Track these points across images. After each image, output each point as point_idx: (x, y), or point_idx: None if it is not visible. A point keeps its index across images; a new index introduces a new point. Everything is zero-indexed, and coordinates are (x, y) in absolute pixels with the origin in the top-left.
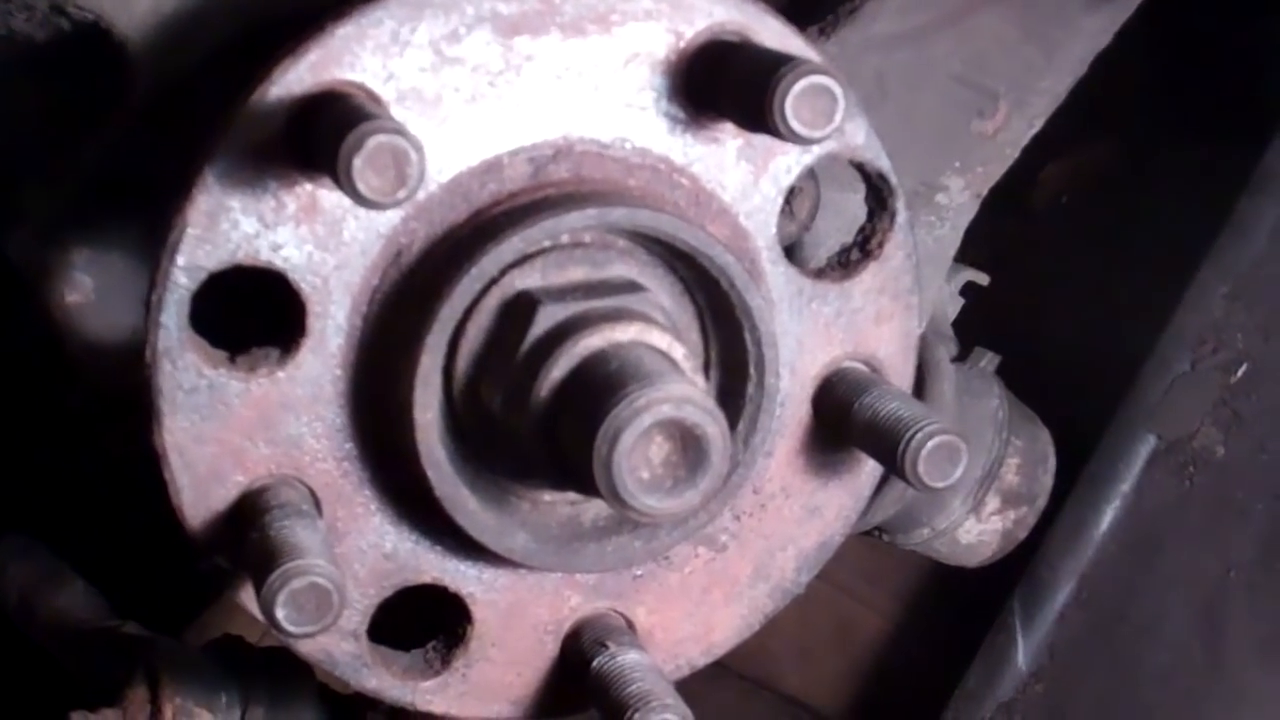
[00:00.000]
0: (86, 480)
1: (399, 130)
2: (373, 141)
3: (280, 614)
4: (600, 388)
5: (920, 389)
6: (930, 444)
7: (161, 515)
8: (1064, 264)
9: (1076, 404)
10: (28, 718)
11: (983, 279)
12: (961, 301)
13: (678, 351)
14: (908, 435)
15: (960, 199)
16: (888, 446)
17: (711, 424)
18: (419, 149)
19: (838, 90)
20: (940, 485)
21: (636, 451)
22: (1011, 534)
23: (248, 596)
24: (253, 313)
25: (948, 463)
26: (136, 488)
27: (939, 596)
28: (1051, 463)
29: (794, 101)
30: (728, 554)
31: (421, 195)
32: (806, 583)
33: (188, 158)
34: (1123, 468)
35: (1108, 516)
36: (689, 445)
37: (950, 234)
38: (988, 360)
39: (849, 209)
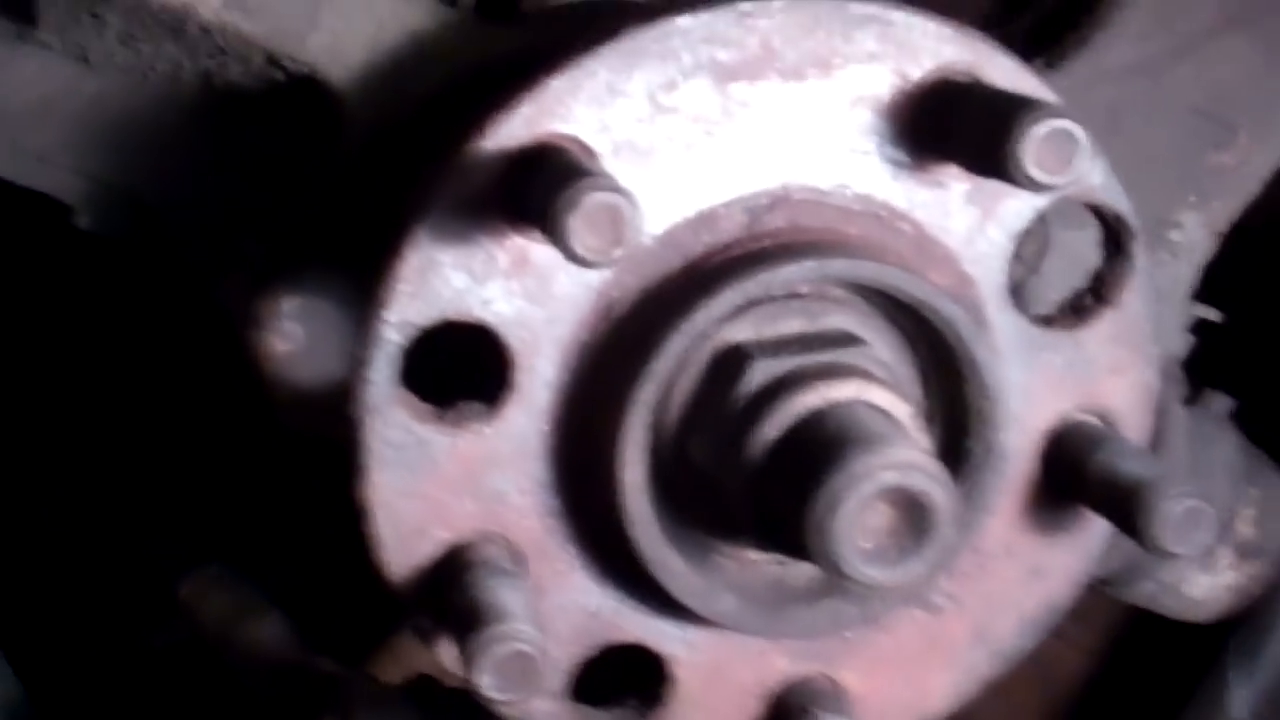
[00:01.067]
0: (287, 513)
1: (615, 188)
2: (589, 200)
3: (484, 680)
4: (817, 450)
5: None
6: (1178, 511)
7: (357, 553)
8: None
9: None
10: None
11: (1214, 315)
12: (1192, 340)
13: (900, 410)
14: (1150, 500)
15: (1196, 235)
16: (1126, 510)
17: (939, 491)
18: (635, 207)
19: (1079, 134)
20: (1186, 553)
21: (857, 521)
22: (1246, 590)
23: (447, 653)
24: (459, 366)
25: (1195, 529)
26: (334, 526)
27: (1149, 638)
28: None
29: (1034, 147)
30: (944, 617)
31: (634, 248)
32: (1028, 648)
33: (398, 210)
34: None
35: None
36: (914, 513)
37: (1185, 272)
38: (1220, 404)
39: (1078, 248)
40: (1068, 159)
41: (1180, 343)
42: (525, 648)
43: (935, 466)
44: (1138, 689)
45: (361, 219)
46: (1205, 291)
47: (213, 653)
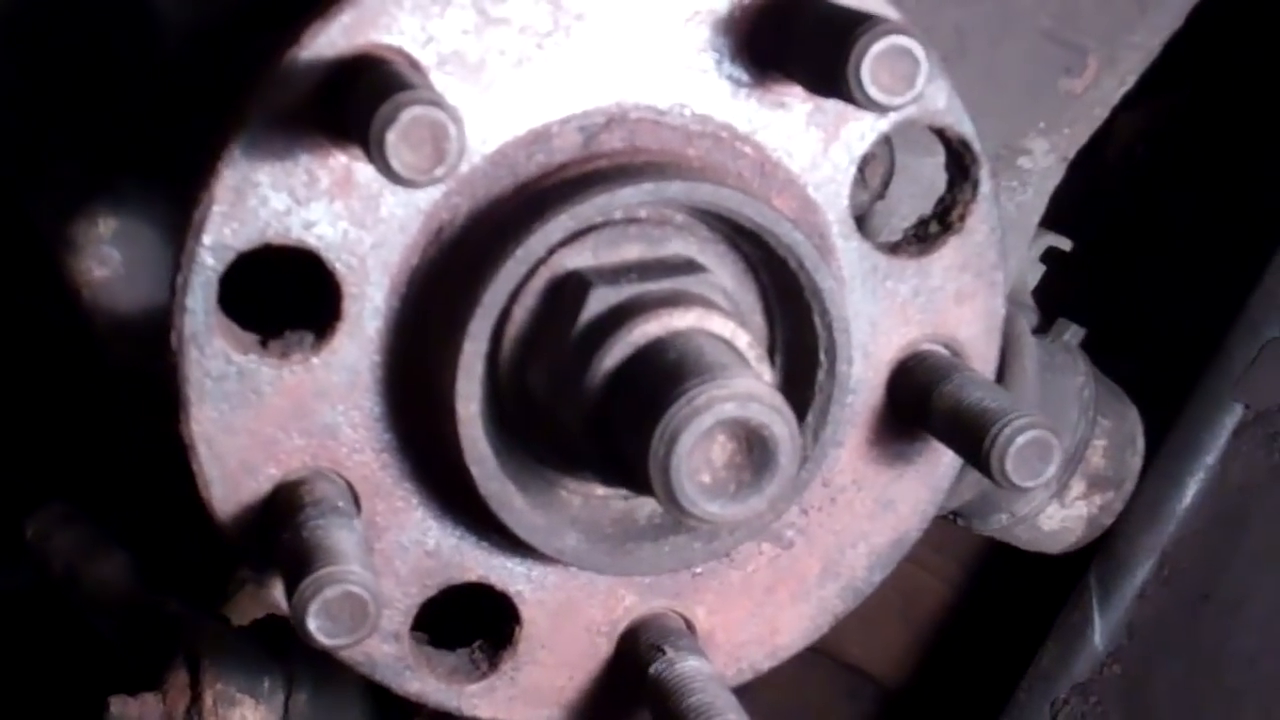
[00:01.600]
0: (123, 450)
1: (436, 101)
2: (408, 114)
3: (312, 624)
4: (657, 381)
5: (1000, 366)
6: (1020, 440)
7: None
8: (1142, 222)
9: (1160, 372)
10: (67, 695)
11: (1065, 244)
12: (1043, 269)
13: (741, 339)
14: (994, 430)
15: (1045, 162)
16: (971, 440)
17: (780, 423)
18: (458, 122)
19: (920, 52)
20: (1030, 484)
21: (696, 454)
22: (1097, 520)
23: (280, 593)
24: (283, 294)
25: (1039, 460)
26: (171, 463)
27: (1011, 568)
28: (1140, 444)
29: (872, 65)
30: (794, 551)
31: (464, 168)
32: (879, 581)
33: (214, 127)
34: (1207, 438)
35: (1191, 490)
36: (754, 446)
37: (1034, 200)
38: (1071, 333)
39: (925, 174)
40: (908, 78)
41: (1031, 271)
42: (355, 589)
43: (776, 398)
44: (1001, 619)
45: (183, 135)
46: (1056, 221)
47: (60, 592)
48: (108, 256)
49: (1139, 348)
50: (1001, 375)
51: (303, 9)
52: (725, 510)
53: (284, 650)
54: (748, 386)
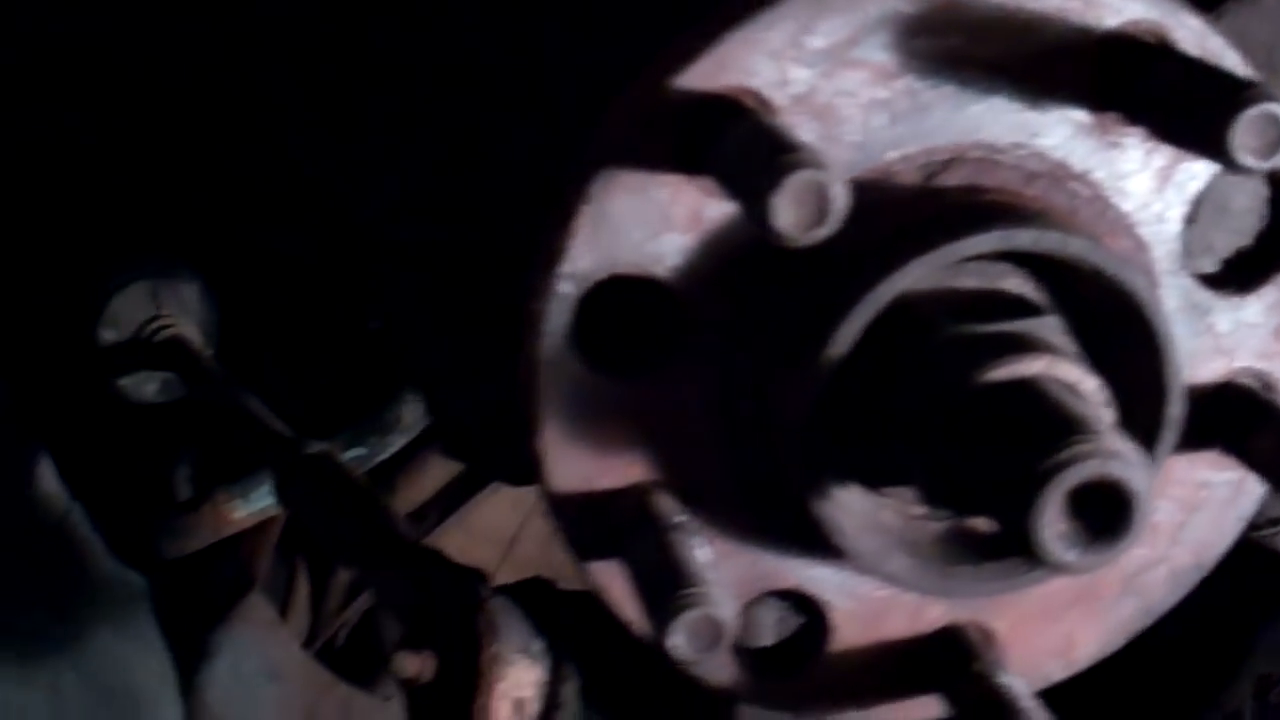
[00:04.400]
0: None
1: (819, 163)
2: (795, 179)
3: (673, 641)
4: (1014, 429)
5: None
6: None
7: None
8: None
9: None
10: None
11: None
12: None
13: (1089, 385)
14: None
15: None
16: None
17: (1140, 479)
18: (841, 183)
19: None
20: None
21: (1059, 509)
22: None
23: (628, 607)
24: (623, 316)
25: None
26: None
27: None
28: None
29: (1244, 130)
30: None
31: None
32: (1176, 601)
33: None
34: None
35: None
36: (1113, 499)
37: None
38: None
39: (1238, 200)
40: (1273, 143)
41: None
42: (715, 613)
43: (1137, 455)
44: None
45: None
46: None
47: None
48: None
49: None
50: None
51: None
52: (1082, 559)
53: (548, 615)
54: (1112, 445)
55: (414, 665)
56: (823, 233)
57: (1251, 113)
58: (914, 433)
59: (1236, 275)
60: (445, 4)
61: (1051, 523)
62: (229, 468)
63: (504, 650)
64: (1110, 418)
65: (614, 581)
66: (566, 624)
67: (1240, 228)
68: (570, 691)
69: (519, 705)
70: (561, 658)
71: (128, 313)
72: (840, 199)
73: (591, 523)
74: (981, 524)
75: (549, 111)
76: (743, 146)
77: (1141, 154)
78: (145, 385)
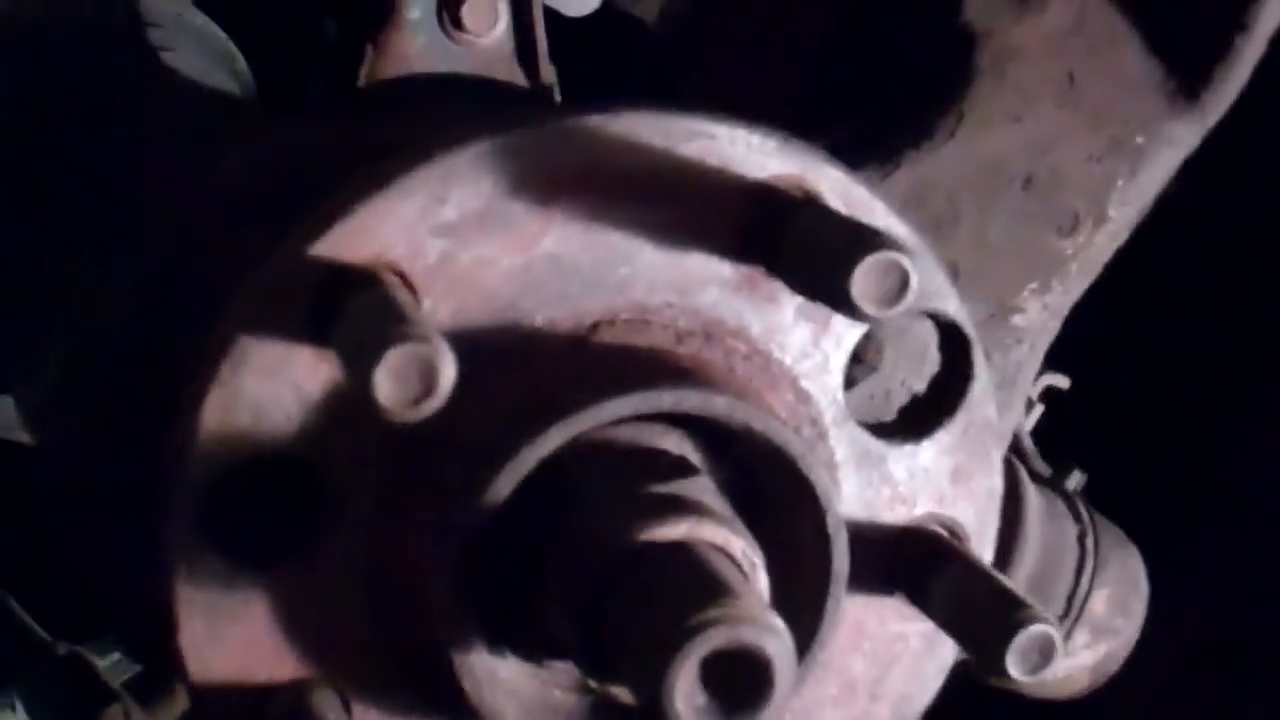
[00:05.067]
0: None
1: (426, 336)
2: (394, 353)
3: None
4: (656, 594)
5: (1002, 525)
6: (1019, 639)
7: None
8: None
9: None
10: None
11: (1063, 382)
12: (1040, 409)
13: (735, 546)
14: (993, 626)
15: (1039, 319)
16: (970, 634)
17: (776, 645)
18: (447, 355)
19: (909, 266)
20: (1030, 680)
21: (690, 679)
22: (1102, 667)
23: None
24: (263, 499)
25: (1039, 655)
26: None
27: None
28: (1144, 588)
29: (861, 280)
30: None
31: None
32: None
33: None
34: None
35: None
36: (751, 669)
37: (1029, 356)
38: (1075, 480)
39: (920, 339)
40: (897, 290)
41: (1025, 420)
42: None
43: (773, 621)
44: None
45: None
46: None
47: None
48: None
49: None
50: (1004, 535)
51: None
52: None
53: None
54: (742, 608)
55: None
56: (431, 406)
57: (870, 260)
58: (564, 599)
59: (911, 422)
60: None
61: (685, 693)
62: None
63: None
64: (759, 581)
65: None
66: None
67: (921, 359)
68: None
69: None
70: None
71: None
72: (448, 371)
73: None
74: (626, 696)
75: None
76: (356, 319)
77: (794, 308)
78: None
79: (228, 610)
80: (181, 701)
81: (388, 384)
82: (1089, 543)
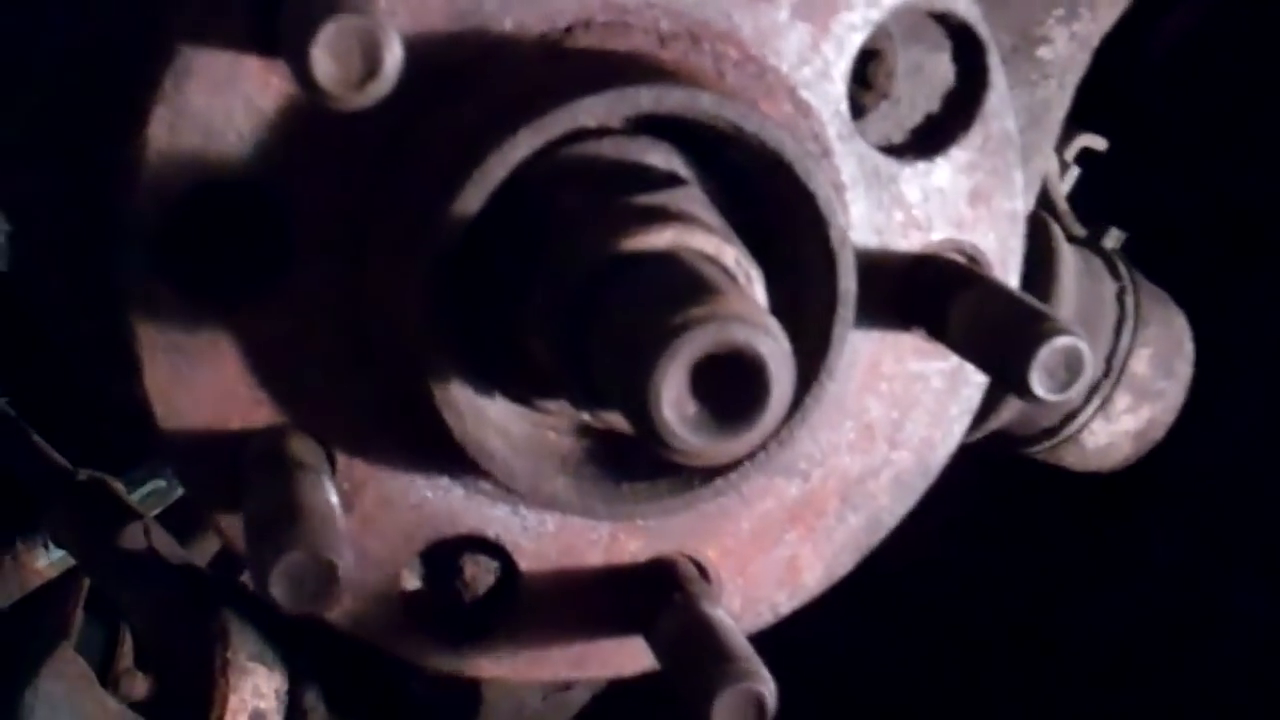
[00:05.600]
0: None
1: (367, 10)
2: (332, 26)
3: (275, 593)
4: (632, 304)
5: (1033, 277)
6: (1044, 351)
7: None
8: (1187, 126)
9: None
10: None
11: (1099, 143)
12: (1077, 171)
13: (727, 255)
14: (1016, 341)
15: (1066, 51)
16: (991, 353)
17: (768, 344)
18: (389, 32)
19: None
20: (1059, 398)
21: (677, 384)
22: (1146, 434)
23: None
24: (223, 231)
25: (1067, 371)
26: None
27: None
28: (1189, 349)
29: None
30: (810, 484)
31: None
32: (905, 511)
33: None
34: None
35: None
36: (743, 372)
37: (1057, 93)
38: (1112, 237)
39: (939, 71)
40: None
41: (1060, 171)
42: (317, 556)
43: (763, 316)
44: None
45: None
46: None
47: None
48: None
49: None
50: (1033, 283)
51: None
52: (714, 444)
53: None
54: (730, 306)
55: (141, 687)
56: (378, 90)
57: None
58: (549, 320)
59: (924, 139)
60: None
61: (673, 402)
62: (26, 513)
63: (237, 659)
64: (756, 295)
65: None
66: (310, 629)
67: (930, 93)
68: (314, 698)
69: (259, 715)
70: (302, 664)
71: None
72: (393, 47)
73: (216, 470)
74: (622, 426)
75: None
76: (296, 9)
77: (790, 6)
78: None
79: (194, 351)
80: (214, 539)
81: (326, 60)
82: (1129, 301)
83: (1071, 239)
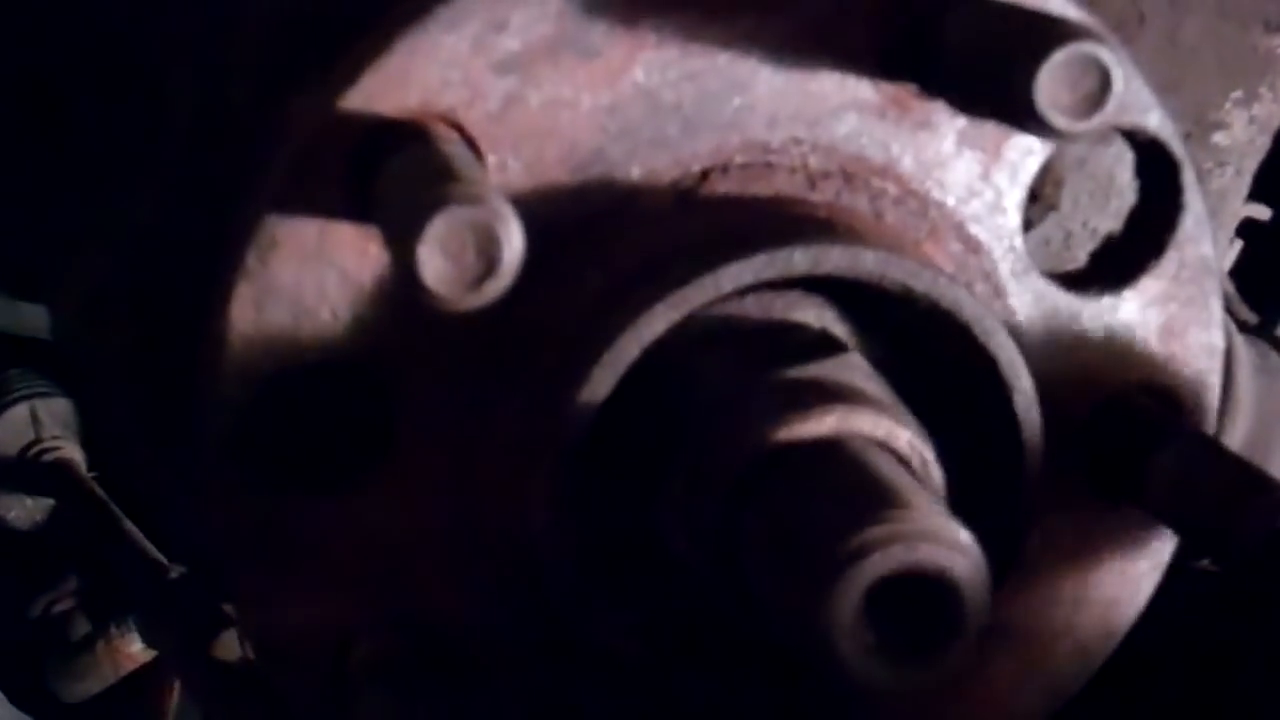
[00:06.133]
0: None
1: (482, 197)
2: (441, 220)
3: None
4: (797, 510)
5: None
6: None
7: None
8: None
9: None
10: None
11: (1264, 213)
12: (1239, 245)
13: (900, 439)
14: (1235, 514)
15: (1245, 136)
16: (1202, 524)
17: (962, 565)
18: (509, 222)
19: (1109, 61)
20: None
21: (856, 613)
22: None
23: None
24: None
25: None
26: None
27: None
28: None
29: (1048, 84)
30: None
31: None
32: (1089, 674)
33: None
34: None
35: None
36: (933, 596)
37: (1234, 181)
38: None
39: (1103, 167)
40: (1097, 94)
41: (1226, 258)
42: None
43: (957, 531)
44: None
45: None
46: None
47: None
48: None
49: None
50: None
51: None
52: (901, 677)
53: None
54: (915, 521)
55: None
56: (495, 288)
57: (1060, 56)
58: (692, 519)
59: (1107, 268)
60: None
61: (850, 633)
62: (119, 597)
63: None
64: (933, 481)
65: None
66: None
67: (1106, 194)
68: None
69: None
70: None
71: (9, 436)
72: (513, 240)
73: (319, 677)
74: None
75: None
76: (395, 184)
77: (955, 133)
78: (33, 513)
79: (285, 552)
80: None
81: (436, 260)
82: None
83: (1242, 328)
